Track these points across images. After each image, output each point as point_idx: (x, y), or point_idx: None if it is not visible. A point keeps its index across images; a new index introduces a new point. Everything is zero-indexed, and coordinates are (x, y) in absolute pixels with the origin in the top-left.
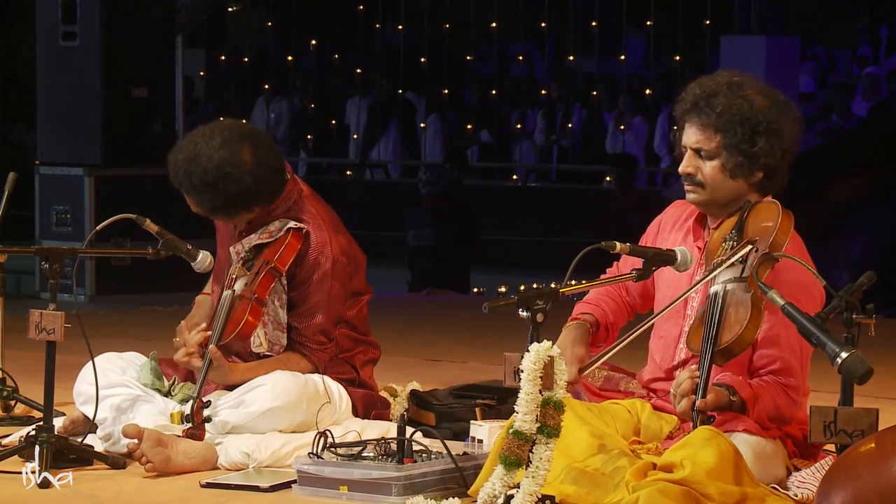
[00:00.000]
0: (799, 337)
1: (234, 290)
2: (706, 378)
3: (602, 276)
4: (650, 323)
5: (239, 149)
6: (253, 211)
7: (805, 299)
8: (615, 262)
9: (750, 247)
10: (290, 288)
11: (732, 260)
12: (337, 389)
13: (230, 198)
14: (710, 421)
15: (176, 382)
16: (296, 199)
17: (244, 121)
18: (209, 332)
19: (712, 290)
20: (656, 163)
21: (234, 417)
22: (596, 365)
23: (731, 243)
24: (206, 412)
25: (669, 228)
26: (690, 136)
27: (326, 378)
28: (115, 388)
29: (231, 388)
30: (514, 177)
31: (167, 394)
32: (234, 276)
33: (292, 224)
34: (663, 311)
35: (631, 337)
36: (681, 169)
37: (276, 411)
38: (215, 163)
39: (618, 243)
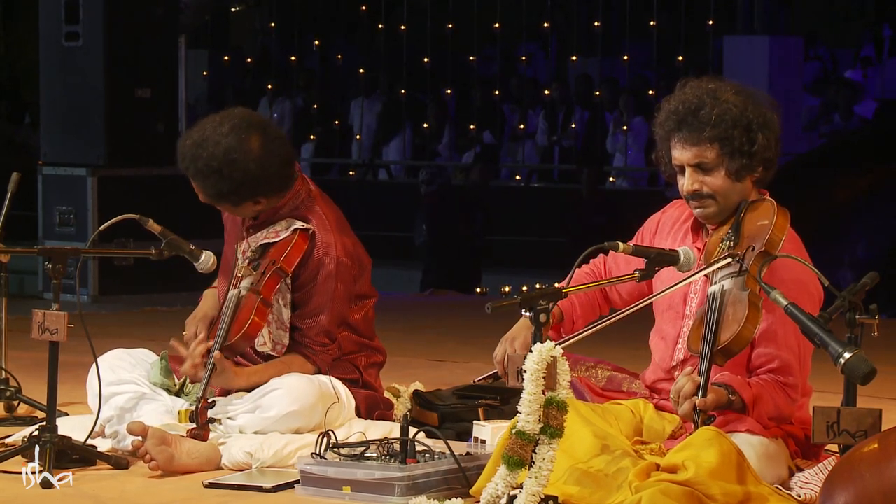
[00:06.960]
0: (797, 335)
1: (239, 290)
2: (706, 378)
3: (585, 267)
4: (622, 316)
5: (247, 137)
6: (259, 202)
7: (803, 297)
8: (601, 256)
9: (748, 248)
10: (293, 288)
11: (724, 262)
12: (343, 390)
13: (235, 185)
14: (711, 421)
15: (188, 382)
16: (303, 199)
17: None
18: (210, 342)
19: (710, 290)
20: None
21: (253, 422)
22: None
23: (728, 243)
24: (210, 413)
25: (669, 228)
26: (686, 153)
27: (333, 378)
28: (124, 386)
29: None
30: (518, 177)
31: (178, 393)
32: (239, 276)
33: (299, 224)
34: (642, 303)
35: (598, 327)
36: (686, 188)
37: (295, 415)
38: (222, 148)
39: (621, 243)
